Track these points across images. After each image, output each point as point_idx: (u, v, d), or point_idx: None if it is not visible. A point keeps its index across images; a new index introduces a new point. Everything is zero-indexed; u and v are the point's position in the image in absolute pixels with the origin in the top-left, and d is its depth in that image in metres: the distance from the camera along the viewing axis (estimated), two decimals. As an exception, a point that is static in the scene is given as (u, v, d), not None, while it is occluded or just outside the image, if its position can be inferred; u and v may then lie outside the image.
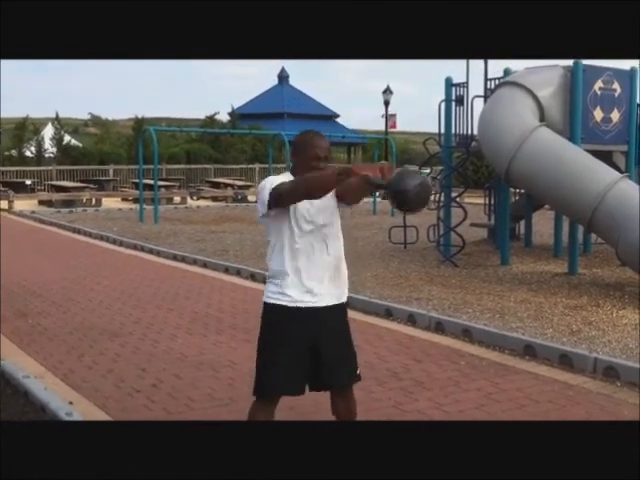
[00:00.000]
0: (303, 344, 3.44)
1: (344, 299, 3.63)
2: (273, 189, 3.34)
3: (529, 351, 6.01)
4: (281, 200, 3.34)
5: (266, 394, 3.50)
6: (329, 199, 3.52)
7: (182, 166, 31.33)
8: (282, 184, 3.35)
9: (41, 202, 22.57)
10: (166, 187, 24.34)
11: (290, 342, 3.42)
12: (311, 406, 4.51)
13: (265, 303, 3.51)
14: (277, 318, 3.46)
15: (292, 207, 3.42)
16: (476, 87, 11.44)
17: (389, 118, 33.21)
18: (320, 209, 3.51)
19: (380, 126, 34.11)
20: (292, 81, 48.21)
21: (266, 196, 3.35)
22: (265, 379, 3.47)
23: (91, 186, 24.46)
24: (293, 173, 3.49)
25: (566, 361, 5.74)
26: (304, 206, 3.44)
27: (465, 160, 12.08)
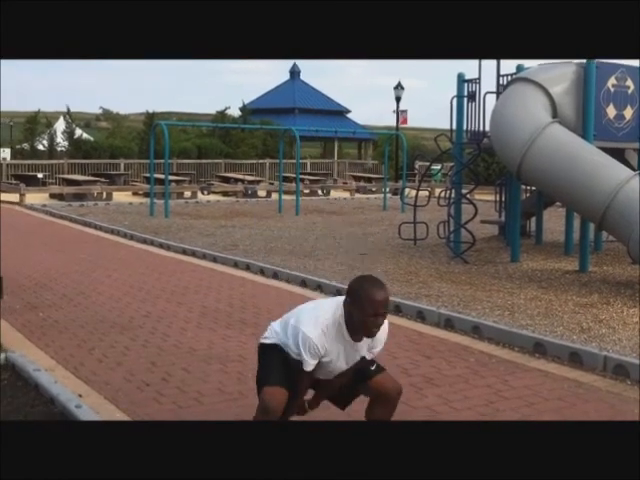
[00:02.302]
0: None
1: None
2: (302, 372, 3.53)
3: (539, 349, 6.00)
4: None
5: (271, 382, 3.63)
6: (363, 348, 3.63)
7: (193, 161, 31.38)
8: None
9: (52, 195, 22.66)
10: (177, 182, 24.39)
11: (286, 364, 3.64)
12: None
13: (262, 344, 3.76)
14: (274, 351, 3.68)
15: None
16: (488, 83, 11.39)
17: (400, 114, 33.14)
18: (349, 364, 3.66)
19: (391, 122, 34.05)
20: (303, 76, 48.18)
21: (303, 361, 3.51)
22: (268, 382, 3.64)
23: (102, 180, 24.54)
24: (347, 320, 3.49)
25: (576, 359, 5.72)
26: (336, 365, 3.60)
27: (476, 156, 12.04)
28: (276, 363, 3.63)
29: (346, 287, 3.60)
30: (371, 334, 3.49)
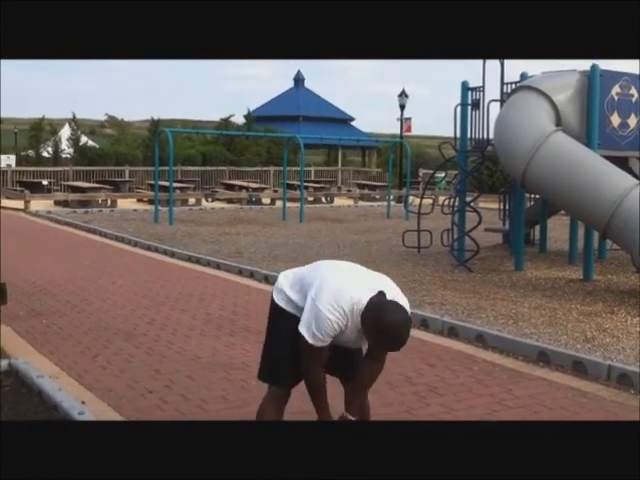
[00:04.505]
0: None
1: None
2: (307, 349, 3.40)
3: (543, 357, 5.98)
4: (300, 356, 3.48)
5: (281, 383, 3.65)
6: (361, 347, 3.59)
7: (197, 168, 31.45)
8: (309, 358, 3.42)
9: (57, 202, 22.71)
10: (181, 189, 24.43)
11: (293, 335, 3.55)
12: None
13: (276, 304, 3.66)
14: (283, 318, 3.62)
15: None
16: (492, 91, 11.41)
17: (404, 121, 33.17)
18: (354, 342, 3.57)
19: (395, 129, 34.11)
20: (307, 83, 48.29)
21: (309, 335, 3.38)
22: (279, 368, 3.62)
23: (107, 187, 24.59)
24: (362, 325, 3.37)
25: (580, 368, 5.71)
26: (340, 338, 3.46)
27: (480, 164, 12.04)
28: (289, 347, 3.56)
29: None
30: (377, 352, 3.50)
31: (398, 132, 32.76)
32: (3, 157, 31.36)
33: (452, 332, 6.83)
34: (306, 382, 3.52)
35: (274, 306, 3.68)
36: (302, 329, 3.40)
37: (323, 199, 26.44)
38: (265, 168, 32.56)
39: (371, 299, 3.34)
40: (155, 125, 35.45)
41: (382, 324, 3.25)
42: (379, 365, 3.60)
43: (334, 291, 3.36)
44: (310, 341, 3.38)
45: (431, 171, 19.67)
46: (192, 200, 23.91)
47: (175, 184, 22.04)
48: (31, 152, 34.80)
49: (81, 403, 4.70)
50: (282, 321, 3.62)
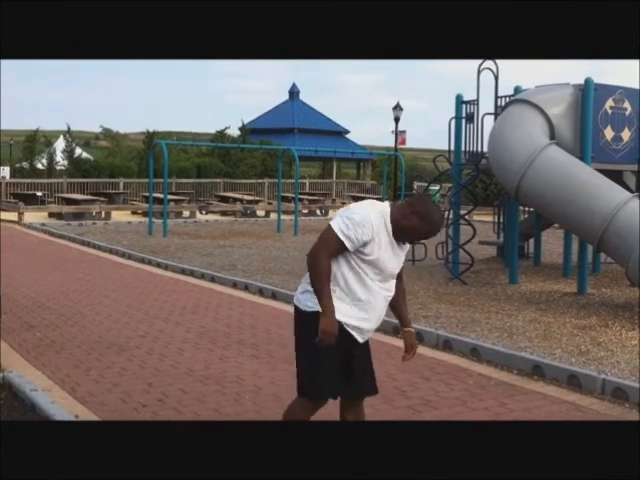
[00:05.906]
0: (340, 352, 3.53)
1: None
2: (327, 240, 3.46)
3: (537, 371, 5.98)
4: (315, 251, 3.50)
5: (321, 395, 3.58)
6: (404, 250, 3.66)
7: (192, 180, 31.45)
8: (323, 248, 3.45)
9: (51, 214, 22.67)
10: (175, 201, 24.41)
11: (332, 348, 3.49)
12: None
13: (302, 311, 3.57)
14: (312, 322, 3.49)
15: (373, 254, 3.49)
16: (486, 105, 11.45)
17: (399, 134, 33.25)
18: (397, 260, 3.63)
19: (390, 142, 34.25)
20: (302, 95, 48.39)
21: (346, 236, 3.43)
22: (318, 381, 3.54)
23: (101, 199, 24.56)
24: (396, 221, 3.51)
25: (574, 382, 5.70)
26: (382, 256, 3.51)
27: (474, 177, 12.07)
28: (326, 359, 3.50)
29: None
30: (411, 241, 3.64)
31: (393, 145, 32.83)
32: (-2, 169, 31.32)
33: (447, 345, 6.82)
34: (314, 270, 3.44)
35: (300, 314, 3.59)
36: (333, 221, 3.46)
37: (318, 211, 26.46)
38: (260, 180, 32.57)
39: (393, 203, 3.63)
40: (151, 137, 35.48)
41: (421, 208, 3.50)
42: (401, 282, 3.75)
43: (362, 204, 3.59)
44: (338, 232, 3.41)
45: (425, 184, 19.71)
46: (186, 212, 23.90)
47: (169, 196, 22.03)
48: (25, 164, 34.77)
49: (74, 417, 4.67)
50: (312, 327, 3.45)
